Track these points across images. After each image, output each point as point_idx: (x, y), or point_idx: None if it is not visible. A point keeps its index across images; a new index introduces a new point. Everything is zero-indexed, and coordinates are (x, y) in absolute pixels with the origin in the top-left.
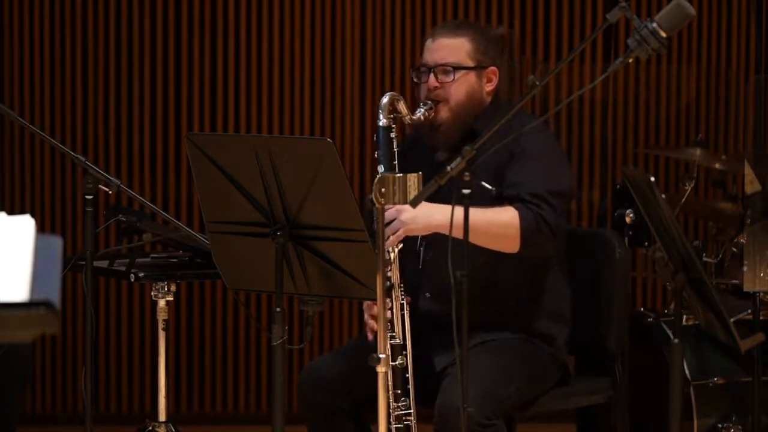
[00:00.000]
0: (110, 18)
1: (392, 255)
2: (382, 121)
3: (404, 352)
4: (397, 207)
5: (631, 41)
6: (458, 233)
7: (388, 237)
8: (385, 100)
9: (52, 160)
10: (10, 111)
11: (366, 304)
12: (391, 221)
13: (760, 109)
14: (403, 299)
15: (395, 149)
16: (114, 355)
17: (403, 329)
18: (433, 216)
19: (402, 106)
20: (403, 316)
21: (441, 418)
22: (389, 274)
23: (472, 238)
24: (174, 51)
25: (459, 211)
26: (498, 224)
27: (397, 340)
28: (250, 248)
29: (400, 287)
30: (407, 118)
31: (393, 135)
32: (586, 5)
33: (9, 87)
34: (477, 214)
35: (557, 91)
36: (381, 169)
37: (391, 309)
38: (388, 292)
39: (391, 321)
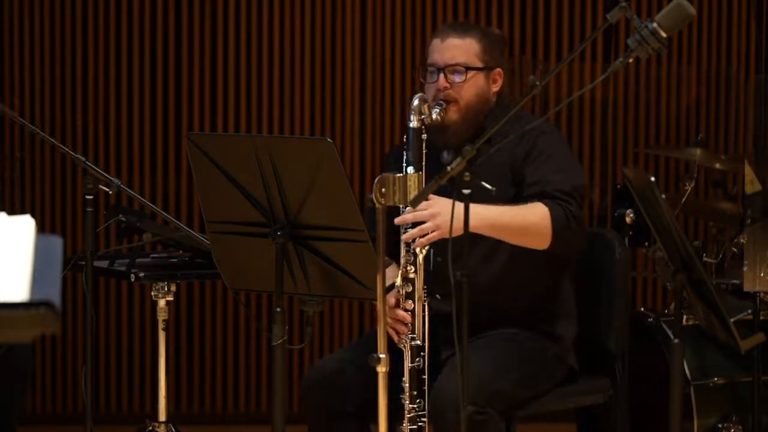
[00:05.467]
0: (110, 18)
1: (420, 257)
2: (413, 123)
3: (422, 354)
4: (431, 211)
5: (631, 41)
6: (492, 232)
7: (416, 237)
8: (416, 102)
9: (52, 160)
10: (10, 111)
11: (389, 309)
12: (422, 222)
13: (760, 109)
14: (425, 301)
15: (425, 150)
16: (114, 355)
17: (423, 331)
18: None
19: (426, 108)
20: (423, 317)
21: (435, 406)
22: (411, 275)
23: (509, 238)
24: (174, 51)
25: (488, 210)
26: (532, 222)
27: (417, 342)
28: (250, 248)
29: (424, 289)
30: (428, 119)
31: (424, 136)
32: (586, 5)
33: (9, 87)
34: (511, 213)
35: (557, 91)
36: (410, 170)
37: (413, 311)
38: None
39: (413, 323)
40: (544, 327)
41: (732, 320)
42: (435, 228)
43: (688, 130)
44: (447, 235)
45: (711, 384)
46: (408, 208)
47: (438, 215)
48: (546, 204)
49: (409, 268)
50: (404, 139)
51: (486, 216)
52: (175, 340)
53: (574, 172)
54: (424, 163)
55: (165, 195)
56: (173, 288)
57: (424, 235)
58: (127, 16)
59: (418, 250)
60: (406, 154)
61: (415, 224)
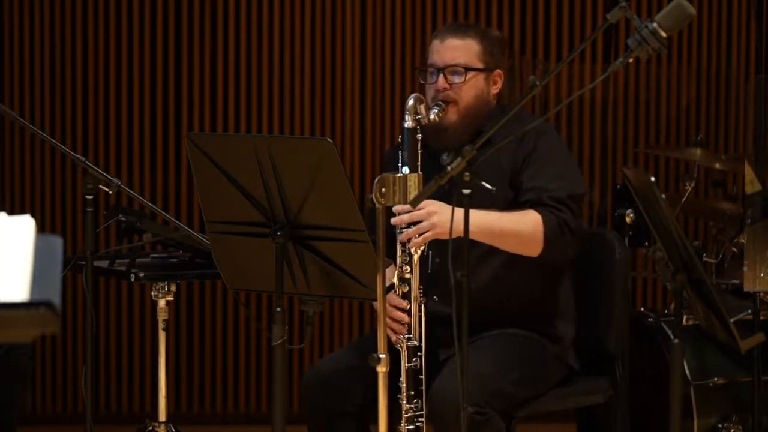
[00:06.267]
0: (110, 18)
1: (415, 257)
2: (408, 123)
3: (419, 354)
4: (428, 209)
5: (631, 41)
6: (484, 238)
7: (412, 237)
8: (410, 102)
9: (52, 160)
10: (10, 111)
11: (389, 308)
12: (418, 222)
13: (760, 109)
14: (421, 301)
15: (420, 150)
16: (114, 355)
17: (419, 331)
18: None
19: (422, 108)
20: (420, 318)
21: (434, 407)
22: (408, 275)
23: (500, 244)
24: (174, 51)
25: (481, 215)
26: (524, 229)
27: (414, 342)
28: (250, 248)
29: (420, 289)
30: (425, 119)
31: (419, 136)
32: (586, 5)
33: (9, 87)
34: (504, 220)
35: (557, 91)
36: (406, 170)
37: (410, 311)
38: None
39: (409, 323)
40: (544, 327)
41: (732, 320)
42: (431, 227)
43: (688, 130)
44: (443, 235)
45: (711, 384)
46: (402, 207)
47: (434, 214)
48: (539, 212)
49: (405, 268)
50: (399, 139)
51: (478, 222)
52: (175, 340)
53: (572, 180)
54: (419, 163)
55: (165, 195)
56: (173, 288)
57: (420, 235)
58: (127, 16)
59: (413, 250)
60: (401, 155)
61: (411, 224)
